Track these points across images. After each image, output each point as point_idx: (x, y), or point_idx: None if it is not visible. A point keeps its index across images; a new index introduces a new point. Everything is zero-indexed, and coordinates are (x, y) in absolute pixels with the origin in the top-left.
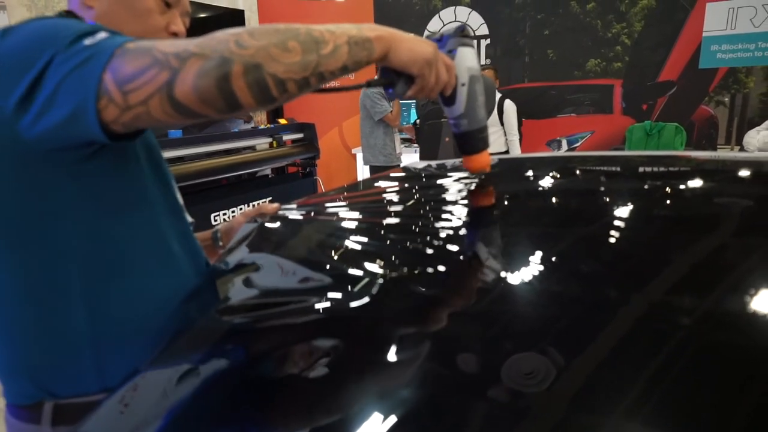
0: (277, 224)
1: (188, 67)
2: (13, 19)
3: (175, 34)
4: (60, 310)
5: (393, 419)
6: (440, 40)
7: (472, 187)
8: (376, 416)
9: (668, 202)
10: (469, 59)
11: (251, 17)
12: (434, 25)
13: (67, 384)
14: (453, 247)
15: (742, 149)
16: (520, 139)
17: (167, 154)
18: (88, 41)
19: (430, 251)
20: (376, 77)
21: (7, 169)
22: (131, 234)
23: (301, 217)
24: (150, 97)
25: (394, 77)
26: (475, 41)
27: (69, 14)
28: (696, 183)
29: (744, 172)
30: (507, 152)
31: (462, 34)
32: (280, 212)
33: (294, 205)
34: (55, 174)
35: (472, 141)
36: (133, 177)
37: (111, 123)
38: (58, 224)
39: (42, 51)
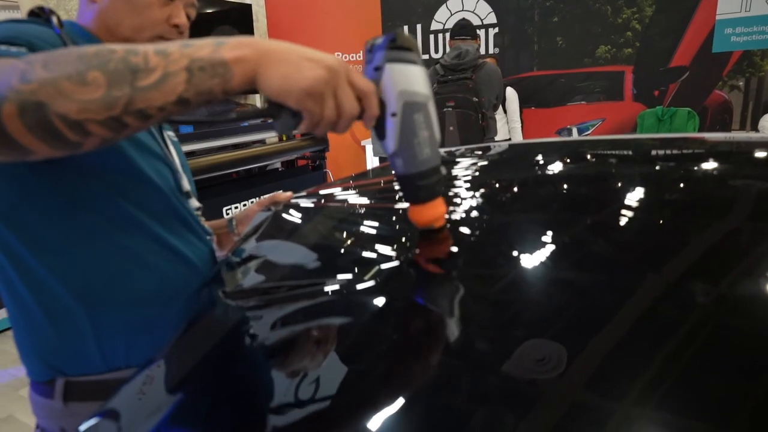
0: (291, 212)
1: None
2: None
3: (177, 27)
4: (61, 305)
5: (401, 404)
6: (371, 51)
7: (477, 174)
8: (384, 399)
9: (682, 185)
10: (402, 80)
11: (258, 12)
12: (442, 15)
13: (74, 364)
14: (465, 232)
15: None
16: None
17: None
18: None
19: (441, 236)
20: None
21: (5, 181)
22: (113, 234)
23: (313, 205)
24: None
25: (274, 109)
26: (419, 55)
27: (40, 12)
28: (710, 165)
29: (759, 153)
30: (509, 140)
31: (393, 45)
32: (293, 200)
33: (306, 194)
34: (35, 180)
35: (411, 188)
36: (105, 181)
37: None
38: (45, 226)
39: None
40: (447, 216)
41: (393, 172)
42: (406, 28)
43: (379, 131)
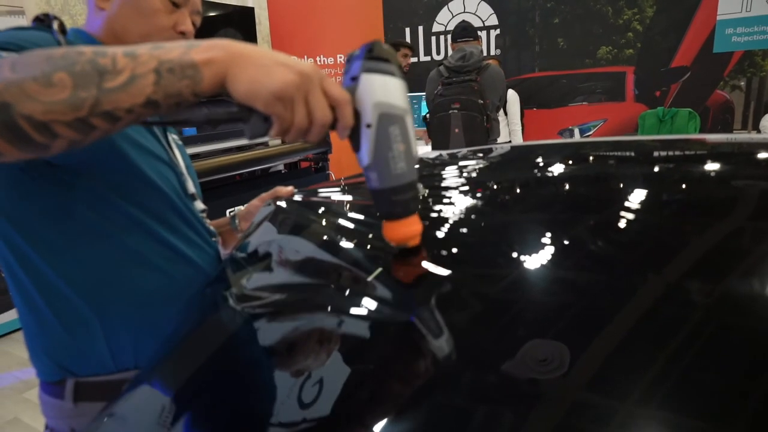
0: (293, 207)
1: None
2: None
3: (183, 33)
4: (71, 306)
5: (405, 403)
6: (349, 61)
7: (473, 175)
8: (387, 400)
9: (683, 186)
10: (378, 92)
11: (261, 14)
12: (443, 17)
13: (84, 365)
14: (465, 233)
15: (759, 134)
16: (522, 130)
17: None
18: None
19: (441, 236)
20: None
21: (7, 179)
22: (119, 235)
23: (315, 200)
24: None
25: (244, 112)
26: (399, 67)
27: (46, 18)
28: (711, 166)
29: (761, 154)
30: (509, 142)
31: (370, 55)
32: (295, 195)
33: (308, 190)
34: (38, 186)
35: (384, 203)
36: (107, 183)
37: None
38: (52, 231)
39: None
40: (453, 217)
41: (366, 186)
42: (408, 30)
43: (354, 143)
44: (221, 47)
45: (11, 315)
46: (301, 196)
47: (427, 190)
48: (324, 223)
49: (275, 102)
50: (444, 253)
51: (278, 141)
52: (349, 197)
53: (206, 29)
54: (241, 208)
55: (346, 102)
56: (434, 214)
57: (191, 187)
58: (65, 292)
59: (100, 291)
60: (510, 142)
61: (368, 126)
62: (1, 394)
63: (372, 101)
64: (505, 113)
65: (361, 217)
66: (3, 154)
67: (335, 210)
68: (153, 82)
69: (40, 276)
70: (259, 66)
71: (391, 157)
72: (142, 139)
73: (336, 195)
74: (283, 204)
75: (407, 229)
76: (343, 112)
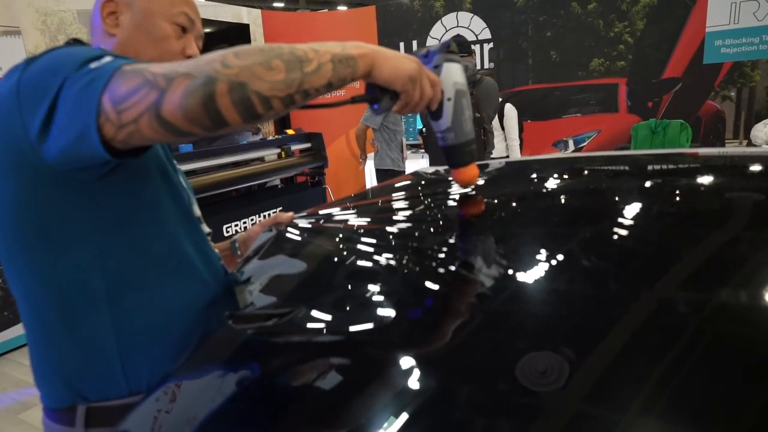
0: (292, 233)
1: (175, 87)
2: (28, 42)
3: (190, 57)
4: (87, 320)
5: (406, 420)
6: (426, 55)
7: (472, 193)
8: (388, 415)
9: (677, 199)
10: (454, 74)
11: (256, 31)
12: (437, 31)
13: (97, 388)
14: (464, 249)
15: (750, 143)
16: (521, 145)
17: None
18: (93, 65)
19: (441, 254)
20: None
21: (34, 189)
22: (147, 246)
23: (315, 226)
24: (140, 115)
25: (378, 93)
26: (461, 56)
27: (77, 42)
28: (704, 179)
29: (753, 167)
30: (508, 157)
31: (448, 50)
32: (295, 221)
33: (308, 214)
34: (74, 193)
35: (459, 154)
36: (147, 193)
37: (110, 141)
38: (79, 239)
39: (56, 77)
40: (456, 230)
41: (442, 145)
42: (402, 44)
43: (437, 113)
44: (365, 46)
45: (6, 336)
46: (301, 221)
47: (429, 204)
48: (321, 247)
49: (409, 82)
50: (442, 271)
51: (274, 156)
52: (348, 219)
53: (203, 44)
54: (245, 221)
55: (439, 83)
56: (437, 229)
57: (197, 211)
58: (83, 307)
59: (122, 304)
60: (507, 156)
61: (449, 99)
62: None
63: (451, 81)
64: (502, 126)
65: (359, 239)
66: (228, 126)
67: (335, 234)
68: (332, 69)
69: (59, 289)
70: (394, 58)
71: (464, 120)
72: (166, 161)
73: (332, 219)
74: (282, 230)
75: (472, 172)
76: (437, 90)
